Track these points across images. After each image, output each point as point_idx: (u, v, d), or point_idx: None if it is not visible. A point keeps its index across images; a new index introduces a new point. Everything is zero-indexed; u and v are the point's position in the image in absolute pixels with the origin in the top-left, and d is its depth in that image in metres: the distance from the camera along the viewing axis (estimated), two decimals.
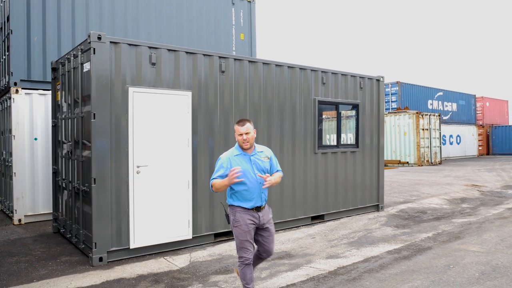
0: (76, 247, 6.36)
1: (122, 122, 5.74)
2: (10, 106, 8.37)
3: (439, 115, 25.26)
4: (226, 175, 3.84)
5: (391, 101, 27.49)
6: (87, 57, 5.73)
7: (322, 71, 8.16)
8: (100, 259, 5.51)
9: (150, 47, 5.99)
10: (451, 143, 29.71)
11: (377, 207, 9.26)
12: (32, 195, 8.36)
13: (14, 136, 8.20)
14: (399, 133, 24.08)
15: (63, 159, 6.97)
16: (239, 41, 11.81)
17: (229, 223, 4.09)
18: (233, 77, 6.90)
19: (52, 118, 7.56)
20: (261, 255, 4.19)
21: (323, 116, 8.40)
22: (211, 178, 3.98)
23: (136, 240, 5.80)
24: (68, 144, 6.65)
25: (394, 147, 24.26)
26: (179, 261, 5.70)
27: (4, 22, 8.88)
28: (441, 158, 25.10)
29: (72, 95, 6.44)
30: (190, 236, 6.32)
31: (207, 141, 6.59)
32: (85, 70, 5.84)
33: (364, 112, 8.94)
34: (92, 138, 5.52)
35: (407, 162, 23.61)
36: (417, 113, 23.51)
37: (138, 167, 5.83)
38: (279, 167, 4.26)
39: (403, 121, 23.93)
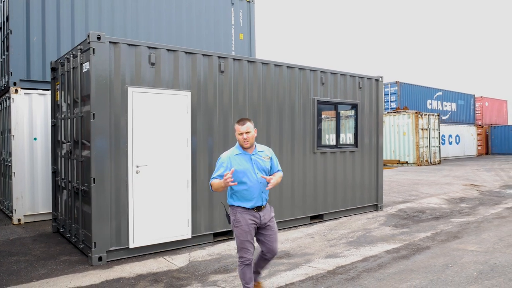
0: (75, 247, 6.37)
1: (122, 122, 5.75)
2: (9, 106, 8.38)
3: (438, 115, 25.30)
4: (225, 173, 3.82)
5: (390, 101, 27.53)
6: (86, 57, 5.74)
7: (321, 71, 8.18)
8: (100, 258, 5.52)
9: (149, 47, 6.01)
10: (450, 143, 29.76)
11: (376, 207, 9.28)
12: (32, 195, 8.37)
13: (13, 136, 8.21)
14: (398, 133, 24.11)
15: (63, 159, 6.98)
16: (239, 41, 11.82)
17: (229, 223, 4.07)
18: (232, 77, 6.92)
19: (52, 118, 7.58)
20: (265, 255, 4.12)
21: (322, 116, 8.42)
22: (211, 177, 3.98)
23: (136, 240, 5.82)
24: (68, 144, 6.67)
25: (393, 147, 24.29)
26: (178, 260, 5.72)
27: (4, 22, 8.88)
28: (440, 158, 25.14)
29: (71, 95, 6.46)
30: (189, 236, 6.33)
31: (206, 141, 6.60)
32: (84, 70, 5.85)
33: (363, 112, 8.96)
34: (92, 138, 5.53)
35: (406, 162, 23.64)
36: (416, 113, 23.54)
37: (137, 167, 5.85)
38: (279, 167, 4.25)
39: (402, 121, 23.96)
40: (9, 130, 8.48)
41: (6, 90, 8.76)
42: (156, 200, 6.00)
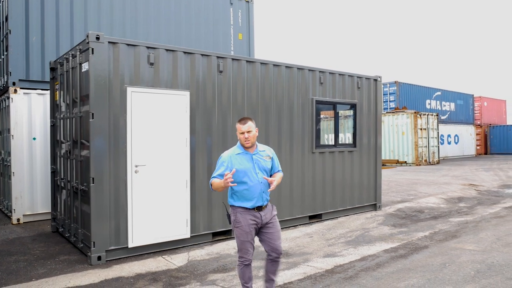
0: (74, 246, 6.39)
1: (121, 121, 5.77)
2: (8, 106, 8.39)
3: (437, 115, 25.34)
4: (225, 173, 3.79)
5: (389, 101, 27.57)
6: (85, 57, 5.76)
7: (319, 71, 8.20)
8: (99, 258, 5.53)
9: (148, 47, 6.02)
10: (449, 143, 29.80)
11: (375, 206, 9.30)
12: (31, 195, 8.39)
13: (12, 135, 8.22)
14: (397, 132, 24.14)
15: (62, 158, 6.99)
16: (238, 41, 11.84)
17: (230, 223, 4.04)
18: (231, 77, 6.94)
19: (51, 118, 7.59)
20: (270, 256, 4.01)
21: (321, 116, 8.44)
22: (212, 177, 3.96)
23: (135, 239, 5.84)
24: (67, 143, 6.68)
25: (392, 146, 24.33)
26: (177, 260, 5.74)
27: (3, 22, 8.89)
28: (439, 157, 25.18)
29: (70, 95, 6.47)
30: (188, 235, 6.35)
31: (205, 141, 6.62)
32: (83, 70, 5.86)
33: (361, 112, 8.99)
34: (91, 138, 5.55)
35: (405, 161, 23.68)
36: (415, 112, 23.58)
37: (136, 166, 5.86)
38: (280, 167, 4.22)
39: (401, 120, 24.00)
40: (8, 130, 8.49)
41: (5, 90, 8.77)
42: (155, 199, 6.02)
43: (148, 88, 5.99)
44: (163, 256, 5.86)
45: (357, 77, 8.95)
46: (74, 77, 6.27)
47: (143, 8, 10.13)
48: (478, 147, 34.05)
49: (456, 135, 30.65)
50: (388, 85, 27.40)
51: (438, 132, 25.11)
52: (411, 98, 28.18)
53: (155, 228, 6.01)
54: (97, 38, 5.55)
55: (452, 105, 32.19)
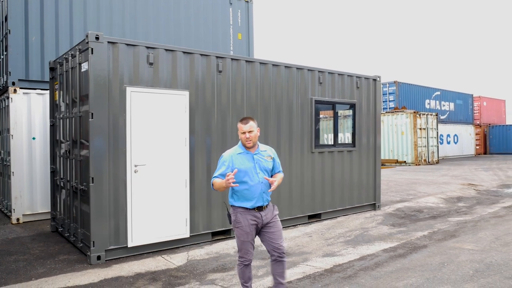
0: (74, 246, 6.40)
1: (120, 121, 5.78)
2: (8, 106, 8.40)
3: (437, 115, 25.37)
4: (227, 173, 3.76)
5: (389, 101, 27.59)
6: (85, 57, 5.77)
7: (319, 71, 8.21)
8: (98, 257, 5.54)
9: (147, 47, 6.03)
10: (448, 143, 29.83)
11: (374, 206, 9.32)
12: (30, 195, 8.39)
13: (12, 135, 8.23)
14: (396, 132, 24.16)
15: (61, 158, 7.00)
16: (237, 41, 11.85)
17: (230, 223, 4.02)
18: (230, 77, 6.95)
19: (50, 118, 7.60)
20: (273, 255, 3.96)
21: (320, 116, 8.45)
22: (213, 176, 3.94)
23: (134, 239, 5.85)
24: (66, 143, 6.69)
25: (391, 146, 24.35)
26: (177, 259, 5.75)
27: (2, 22, 8.89)
28: (438, 157, 25.20)
29: (70, 95, 6.48)
30: (187, 235, 6.36)
31: (205, 141, 6.63)
32: (83, 70, 5.87)
33: (360, 112, 9.00)
34: (90, 138, 5.56)
35: (405, 161, 23.70)
36: (414, 112, 23.60)
37: (136, 166, 5.87)
38: (281, 168, 4.20)
39: (400, 120, 24.02)
40: (8, 130, 8.50)
41: (4, 89, 8.78)
42: (155, 199, 6.03)
43: (147, 88, 6.00)
44: (163, 256, 5.87)
45: (356, 77, 8.96)
46: (74, 77, 6.28)
47: (142, 8, 10.14)
48: (477, 147, 34.09)
49: (455, 135, 30.68)
50: (387, 85, 27.43)
51: (437, 132, 25.14)
52: (411, 98, 28.20)
53: (155, 227, 6.02)
54: (97, 38, 5.56)
55: (452, 105, 32.22)
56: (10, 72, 8.29)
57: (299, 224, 7.83)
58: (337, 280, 4.92)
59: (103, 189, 5.63)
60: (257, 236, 4.04)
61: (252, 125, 3.89)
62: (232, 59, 7.00)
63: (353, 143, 8.89)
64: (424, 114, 24.24)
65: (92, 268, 5.34)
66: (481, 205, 10.12)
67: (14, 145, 8.24)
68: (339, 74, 8.60)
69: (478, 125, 35.02)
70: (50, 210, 7.76)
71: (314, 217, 8.21)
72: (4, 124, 9.02)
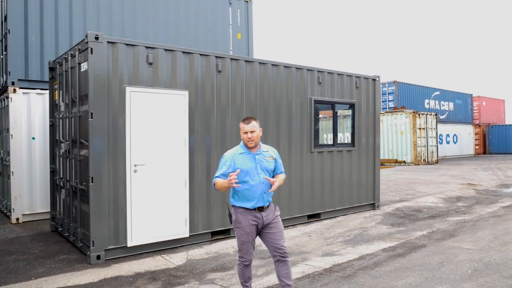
0: (74, 246, 6.40)
1: (120, 121, 5.79)
2: (7, 106, 8.40)
3: (436, 114, 25.39)
4: (229, 173, 3.77)
5: (388, 101, 27.61)
6: (84, 57, 5.78)
7: (318, 71, 8.22)
8: (98, 257, 5.55)
9: (147, 47, 6.04)
10: (447, 142, 29.86)
11: (373, 206, 9.33)
12: (30, 194, 8.40)
13: (11, 135, 8.24)
14: (396, 132, 24.19)
15: (61, 158, 7.01)
16: (236, 41, 11.86)
17: (231, 223, 4.00)
18: (230, 77, 6.96)
19: (50, 118, 7.61)
20: (275, 256, 3.92)
21: (320, 116, 8.46)
22: (214, 176, 3.93)
23: (134, 238, 5.86)
24: (66, 143, 6.70)
25: (391, 146, 24.37)
26: (176, 259, 5.76)
27: (2, 21, 8.90)
28: (437, 157, 25.23)
29: (69, 95, 6.49)
30: (187, 235, 6.37)
31: (204, 140, 6.64)
32: (82, 69, 5.88)
33: (360, 112, 9.01)
34: (90, 137, 5.57)
35: (404, 161, 23.72)
36: (414, 112, 23.62)
37: (135, 166, 5.88)
38: (283, 169, 4.17)
39: (400, 120, 24.04)
40: (7, 130, 8.51)
41: (4, 89, 8.78)
42: (154, 199, 6.04)
43: (147, 87, 6.01)
44: (162, 255, 5.88)
45: (356, 76, 8.97)
46: (73, 77, 6.28)
47: (142, 8, 10.15)
48: (476, 147, 34.12)
49: (454, 135, 30.70)
50: (387, 85, 27.45)
51: (436, 132, 25.17)
52: (410, 98, 28.22)
53: (154, 227, 6.03)
54: (96, 38, 5.57)
55: (451, 104, 32.25)
56: (9, 72, 8.29)
57: (298, 224, 7.84)
58: (336, 279, 4.94)
59: (103, 188, 5.64)
60: (257, 237, 4.03)
61: (254, 125, 3.88)
62: (231, 59, 7.01)
63: (353, 143, 8.90)
64: (424, 114, 24.26)
65: (92, 268, 5.35)
66: (480, 204, 10.14)
67: (14, 145, 8.24)
68: (338, 74, 8.61)
69: (478, 125, 35.05)
70: (49, 210, 7.77)
71: (314, 217, 8.23)
72: (4, 124, 9.03)
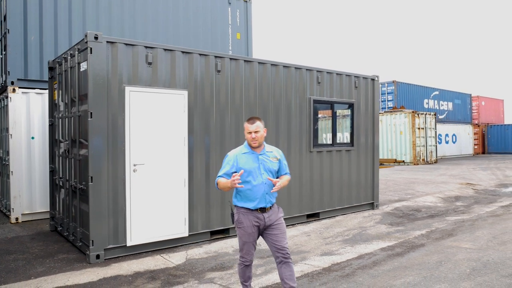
0: (73, 245, 6.41)
1: (119, 121, 5.80)
2: (7, 105, 8.41)
3: (435, 114, 25.42)
4: (232, 173, 3.76)
5: (387, 100, 27.63)
6: (84, 56, 5.78)
7: (317, 71, 8.24)
8: (97, 256, 5.56)
9: (146, 47, 6.05)
10: (446, 142, 29.89)
11: (372, 205, 9.35)
12: (29, 194, 8.41)
13: (11, 135, 8.24)
14: (395, 132, 24.21)
15: (60, 157, 7.02)
16: (236, 41, 11.87)
17: (233, 223, 3.99)
18: (229, 77, 6.97)
19: (49, 117, 7.61)
20: (277, 257, 3.87)
21: (319, 115, 8.48)
22: (217, 176, 3.92)
23: (133, 238, 5.87)
24: (65, 142, 6.70)
25: (390, 146, 24.39)
26: (176, 258, 5.77)
27: (1, 21, 8.90)
28: (436, 157, 25.26)
29: (69, 94, 6.49)
30: (186, 234, 6.39)
31: (203, 140, 6.65)
32: (82, 69, 5.89)
33: (359, 111, 9.03)
34: (89, 137, 5.57)
35: (403, 161, 23.75)
36: (413, 112, 23.64)
37: (134, 165, 5.89)
38: (288, 170, 4.13)
39: (399, 120, 24.06)
40: (7, 129, 8.51)
41: (3, 89, 8.79)
42: (153, 198, 6.05)
43: (146, 87, 6.02)
44: (162, 255, 5.89)
45: (355, 76, 8.99)
46: (73, 77, 6.29)
47: (141, 7, 10.16)
48: (475, 147, 34.15)
49: (453, 135, 30.74)
50: (386, 85, 27.47)
51: (436, 132, 25.19)
52: (409, 98, 28.25)
53: (154, 226, 6.04)
54: (96, 38, 5.58)
55: (450, 104, 32.28)
56: (9, 72, 8.30)
57: (297, 223, 7.86)
58: (335, 278, 4.95)
59: (102, 188, 5.65)
60: (260, 237, 4.01)
61: (258, 125, 3.88)
62: (230, 58, 7.02)
63: (352, 143, 8.92)
64: (423, 113, 24.29)
65: (91, 267, 5.36)
66: (479, 204, 10.16)
67: (13, 144, 8.25)
68: (337, 73, 8.63)
69: (477, 124, 35.09)
70: (49, 210, 7.77)
71: (313, 216, 8.24)
72: (3, 124, 9.03)
